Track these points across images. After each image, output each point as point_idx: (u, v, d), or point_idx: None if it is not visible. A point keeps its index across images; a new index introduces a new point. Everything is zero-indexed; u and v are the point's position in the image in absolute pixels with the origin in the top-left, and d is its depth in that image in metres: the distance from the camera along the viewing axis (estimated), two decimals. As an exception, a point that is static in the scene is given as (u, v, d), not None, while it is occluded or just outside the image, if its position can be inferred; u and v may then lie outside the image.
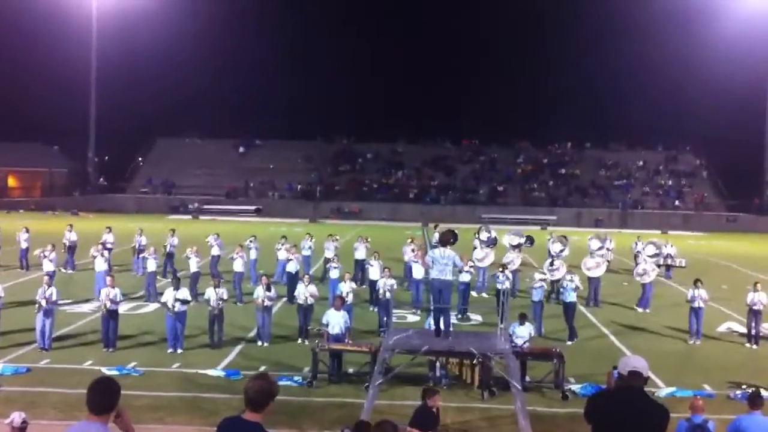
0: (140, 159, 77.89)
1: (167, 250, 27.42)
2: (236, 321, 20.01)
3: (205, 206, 64.51)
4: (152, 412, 13.07)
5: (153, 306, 22.11)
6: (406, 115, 79.95)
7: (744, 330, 20.19)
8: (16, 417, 8.73)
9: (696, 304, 19.75)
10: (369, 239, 29.14)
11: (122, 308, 18.94)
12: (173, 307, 17.38)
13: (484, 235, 29.21)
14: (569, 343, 19.23)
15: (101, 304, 17.66)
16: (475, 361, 13.80)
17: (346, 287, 19.51)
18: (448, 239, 12.55)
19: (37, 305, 17.20)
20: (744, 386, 15.25)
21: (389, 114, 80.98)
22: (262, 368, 15.54)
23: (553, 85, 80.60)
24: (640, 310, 24.16)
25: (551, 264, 24.21)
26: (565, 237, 29.69)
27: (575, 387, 15.08)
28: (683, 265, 31.91)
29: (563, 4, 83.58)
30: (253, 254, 26.64)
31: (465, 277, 22.76)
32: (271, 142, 77.20)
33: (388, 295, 19.29)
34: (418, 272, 23.14)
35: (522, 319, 16.27)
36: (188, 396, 14.17)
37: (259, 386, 5.34)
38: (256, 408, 5.30)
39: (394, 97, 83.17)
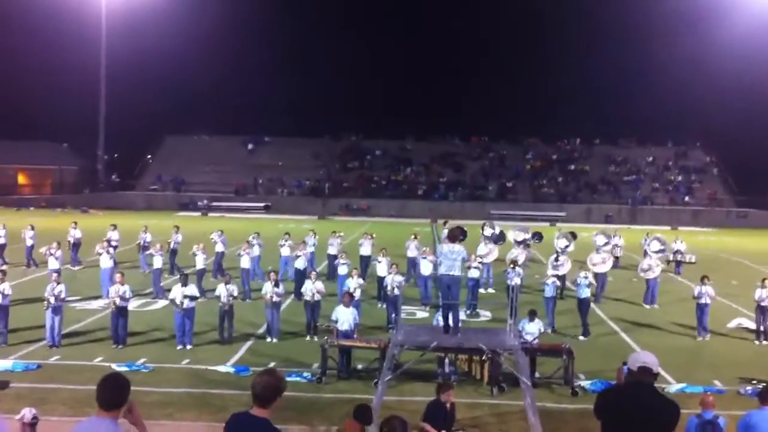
0: (149, 156, 78.08)
1: (171, 246, 27.47)
2: (245, 317, 20.05)
3: (215, 203, 64.63)
4: (162, 407, 13.11)
5: (162, 303, 22.15)
6: (414, 112, 79.88)
7: (754, 326, 20.10)
8: (27, 413, 8.80)
9: (702, 301, 19.68)
10: (374, 235, 29.17)
11: (131, 305, 18.98)
12: (181, 303, 17.42)
13: (488, 231, 29.24)
14: (583, 339, 19.22)
15: (110, 300, 17.72)
16: (484, 358, 13.77)
17: (354, 283, 19.53)
18: (456, 235, 12.52)
19: (46, 302, 17.27)
20: (754, 382, 15.21)
21: (397, 111, 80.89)
22: (272, 364, 15.56)
23: (561, 81, 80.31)
24: (647, 306, 24.09)
25: (556, 260, 24.19)
26: (573, 233, 29.66)
27: (585, 383, 15.05)
28: (693, 261, 31.79)
29: (573, 0, 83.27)
30: (256, 251, 26.65)
31: (473, 273, 22.77)
32: (279, 139, 77.24)
33: (396, 291, 19.29)
34: (426, 268, 23.13)
35: (532, 315, 16.24)
36: (197, 392, 14.20)
37: (266, 382, 5.35)
38: (263, 403, 5.32)
39: (401, 94, 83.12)
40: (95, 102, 71.10)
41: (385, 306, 21.27)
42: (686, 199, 67.46)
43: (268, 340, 18.36)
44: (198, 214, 60.73)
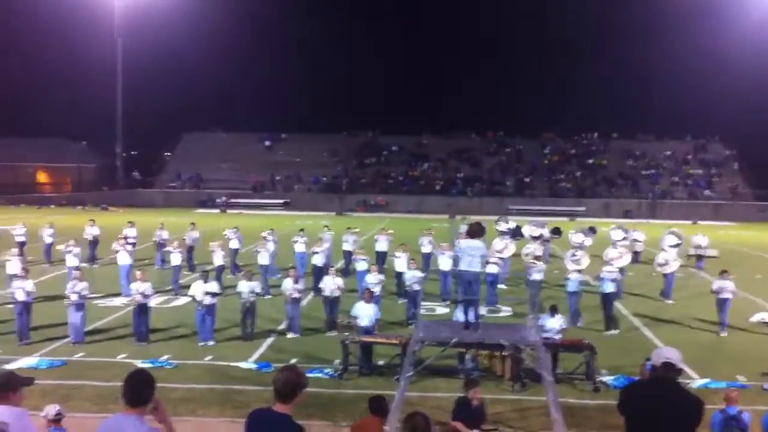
0: (167, 154, 78.49)
1: (187, 244, 27.59)
2: (265, 313, 20.10)
3: (233, 200, 64.87)
4: (185, 404, 13.19)
5: (184, 299, 22.28)
6: (431, 108, 79.89)
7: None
8: (51, 410, 8.88)
9: (722, 295, 19.52)
10: (391, 231, 29.18)
11: (153, 302, 19.09)
12: (202, 300, 17.50)
13: (503, 227, 29.19)
14: (609, 333, 19.21)
15: (132, 298, 17.84)
16: (505, 353, 13.76)
17: (373, 279, 19.55)
18: (476, 231, 12.49)
19: (68, 299, 17.41)
20: (778, 377, 15.10)
21: (413, 106, 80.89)
22: (293, 360, 15.61)
23: (579, 75, 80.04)
24: (669, 301, 23.96)
25: (573, 255, 24.09)
26: (593, 228, 29.55)
27: (607, 379, 14.99)
28: (715, 255, 31.56)
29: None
30: (270, 247, 26.70)
31: (492, 269, 22.68)
32: (296, 136, 77.45)
33: (415, 287, 19.28)
34: (445, 264, 23.10)
35: (553, 311, 16.18)
36: (220, 388, 14.28)
37: (287, 378, 5.39)
38: (284, 399, 5.35)
39: (418, 90, 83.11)
40: (113, 100, 71.55)
41: (404, 302, 21.27)
42: (706, 193, 66.97)
43: (289, 336, 18.42)
44: (216, 211, 60.99)
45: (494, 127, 78.13)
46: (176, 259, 23.97)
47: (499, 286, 25.70)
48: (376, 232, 29.73)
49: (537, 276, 20.72)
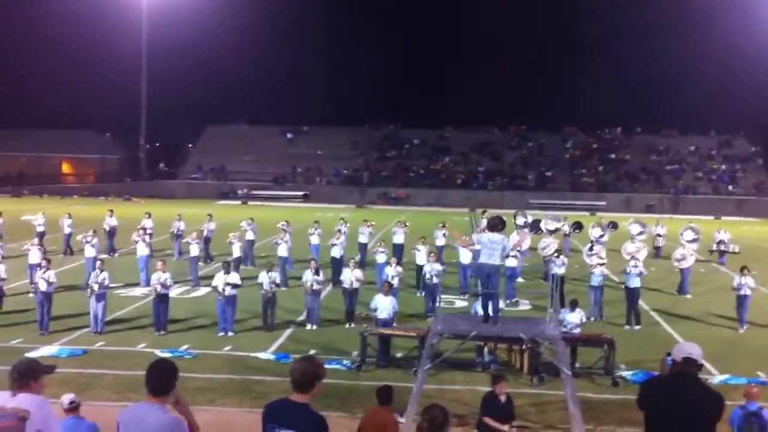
0: (190, 145, 78.91)
1: (204, 235, 27.67)
2: (283, 305, 20.15)
3: (254, 192, 65.12)
4: (204, 393, 13.29)
5: (203, 290, 22.41)
6: (452, 101, 79.66)
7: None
8: (65, 399, 8.95)
9: (742, 292, 19.33)
10: (408, 224, 29.18)
11: (173, 292, 19.22)
12: (224, 290, 17.61)
13: (520, 220, 29.15)
14: (632, 327, 19.11)
15: (152, 288, 17.98)
16: (524, 347, 13.73)
17: (392, 271, 19.56)
18: (496, 224, 12.47)
19: (89, 289, 17.57)
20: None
21: (435, 100, 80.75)
22: (311, 352, 15.65)
23: (602, 70, 79.47)
24: (688, 296, 23.81)
25: (590, 249, 23.99)
26: (614, 223, 29.40)
27: (626, 373, 14.92)
28: (737, 251, 31.27)
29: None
30: (289, 239, 26.71)
31: (512, 263, 22.57)
32: (317, 128, 77.53)
33: (434, 279, 19.27)
34: (465, 257, 23.05)
35: (573, 305, 16.12)
36: (239, 378, 14.37)
37: (304, 368, 5.41)
38: (301, 389, 5.37)
39: (439, 83, 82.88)
40: (138, 92, 72.07)
41: (423, 294, 21.28)
42: (730, 188, 66.32)
43: (308, 327, 18.48)
44: (238, 202, 61.25)
45: (517, 121, 77.87)
46: (195, 250, 24.09)
47: (517, 279, 25.67)
48: (394, 225, 29.71)
49: (559, 270, 20.59)
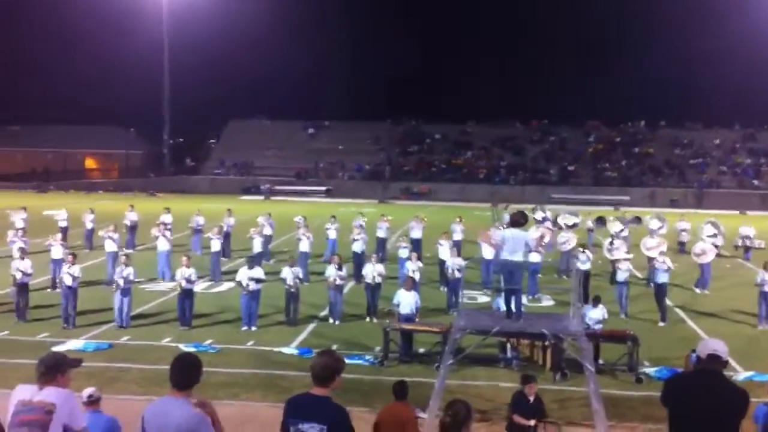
0: (213, 141, 79.27)
1: (224, 230, 27.71)
2: (306, 300, 20.18)
3: (277, 187, 65.29)
4: (228, 388, 13.40)
5: (227, 285, 22.53)
6: (474, 95, 79.34)
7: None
8: (84, 393, 9.05)
9: (766, 288, 19.12)
10: (425, 218, 29.16)
11: (197, 287, 19.35)
12: (247, 285, 17.72)
13: (538, 215, 29.08)
14: (662, 324, 18.99)
15: (177, 283, 18.13)
16: (546, 343, 13.70)
17: (412, 266, 19.56)
18: (518, 220, 12.44)
19: (114, 284, 17.76)
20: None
21: (457, 94, 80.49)
22: (334, 347, 15.71)
23: (625, 63, 78.74)
24: (698, 291, 23.63)
25: (611, 243, 23.85)
26: (638, 218, 29.21)
27: (649, 370, 14.85)
28: (762, 246, 30.96)
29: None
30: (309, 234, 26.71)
31: (535, 258, 22.47)
32: (339, 123, 77.53)
33: (457, 274, 19.24)
34: (487, 252, 22.99)
35: (596, 301, 16.05)
36: (262, 373, 14.47)
37: (324, 362, 5.48)
38: (322, 383, 5.44)
39: (461, 77, 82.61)
40: (161, 88, 72.47)
41: (445, 289, 21.26)
42: (754, 182, 65.57)
43: (331, 322, 18.55)
44: (261, 197, 61.47)
45: (539, 115, 77.39)
46: (216, 245, 24.18)
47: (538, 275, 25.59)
48: (411, 220, 29.70)
49: (583, 266, 20.50)
